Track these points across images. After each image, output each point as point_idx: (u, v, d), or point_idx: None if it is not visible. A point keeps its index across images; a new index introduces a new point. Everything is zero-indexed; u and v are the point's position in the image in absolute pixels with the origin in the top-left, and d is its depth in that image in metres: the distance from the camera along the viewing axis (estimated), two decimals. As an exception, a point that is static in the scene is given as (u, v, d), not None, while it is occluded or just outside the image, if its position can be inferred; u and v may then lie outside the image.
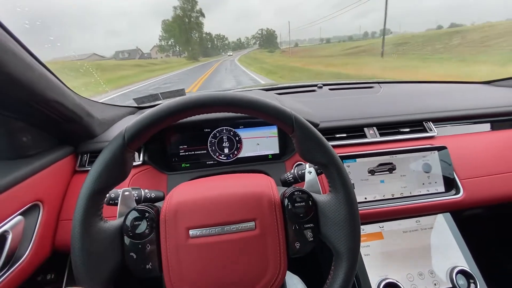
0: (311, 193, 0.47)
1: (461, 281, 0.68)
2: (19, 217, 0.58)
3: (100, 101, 0.93)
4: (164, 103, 0.40)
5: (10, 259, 0.55)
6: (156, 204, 0.47)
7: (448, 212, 0.78)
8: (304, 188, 0.48)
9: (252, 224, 0.43)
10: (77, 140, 0.79)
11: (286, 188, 0.49)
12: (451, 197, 0.76)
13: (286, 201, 0.45)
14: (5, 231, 0.54)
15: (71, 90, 0.70)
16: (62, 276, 0.74)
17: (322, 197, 0.46)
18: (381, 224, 0.75)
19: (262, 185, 0.48)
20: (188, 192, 0.47)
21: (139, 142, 0.41)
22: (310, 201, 0.45)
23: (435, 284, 0.68)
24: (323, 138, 0.43)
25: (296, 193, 0.45)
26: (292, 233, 0.44)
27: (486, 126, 1.04)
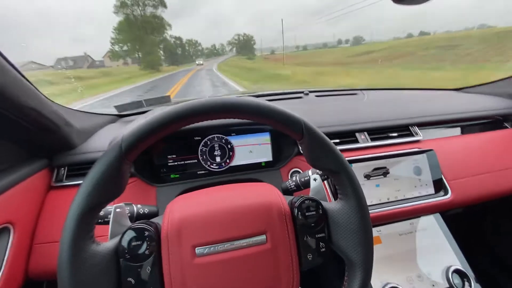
0: (320, 201, 0.45)
1: (457, 280, 0.70)
2: (-14, 243, 0.50)
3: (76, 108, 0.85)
4: (166, 110, 0.36)
5: None
6: (153, 220, 0.43)
7: (438, 213, 0.81)
8: (310, 196, 0.47)
9: (263, 237, 0.40)
10: (52, 151, 0.71)
11: (292, 197, 0.47)
12: (440, 198, 0.79)
13: (295, 210, 0.43)
14: (-31, 261, 0.46)
15: (46, 97, 0.63)
16: (36, 308, 0.65)
17: (331, 205, 0.45)
18: (378, 228, 0.76)
19: (269, 194, 0.45)
20: (190, 206, 0.43)
21: (137, 152, 0.36)
22: (320, 210, 0.43)
23: (433, 285, 0.69)
24: (333, 144, 0.42)
25: (306, 201, 0.43)
26: (303, 244, 0.42)
27: (459, 131, 1.12)
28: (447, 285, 0.69)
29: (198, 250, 0.38)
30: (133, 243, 0.37)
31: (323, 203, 0.45)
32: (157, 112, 0.37)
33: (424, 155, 0.81)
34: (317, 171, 0.62)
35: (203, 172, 0.85)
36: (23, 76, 0.54)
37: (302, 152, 0.44)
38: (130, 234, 0.37)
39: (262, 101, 0.40)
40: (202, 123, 0.77)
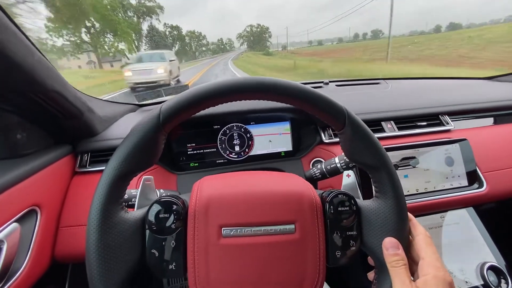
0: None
1: (492, 277, 0.65)
2: (15, 224, 0.50)
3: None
4: (208, 84, 0.35)
5: (6, 273, 0.48)
6: (182, 196, 0.41)
7: (472, 207, 0.76)
8: (342, 190, 0.44)
9: (292, 227, 0.38)
10: (76, 138, 0.72)
11: (322, 191, 0.45)
12: (474, 191, 0.73)
13: (327, 205, 0.40)
14: (0, 241, 0.47)
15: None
16: (62, 290, 0.67)
17: (366, 203, 0.41)
18: (406, 221, 0.72)
19: (301, 185, 0.43)
20: (219, 185, 0.42)
21: (174, 123, 0.35)
22: (354, 206, 0.40)
23: (466, 282, 0.65)
24: (375, 137, 0.38)
25: (339, 196, 0.40)
26: (332, 240, 0.39)
27: (491, 121, 1.04)
28: (482, 283, 0.65)
29: (224, 230, 0.37)
30: (160, 215, 0.36)
31: (357, 200, 0.42)
32: (201, 85, 0.35)
33: (457, 144, 0.76)
34: (345, 159, 0.59)
35: (222, 161, 0.84)
36: (46, 58, 0.54)
37: (340, 143, 0.40)
38: (158, 206, 0.37)
39: (305, 85, 0.37)
40: (221, 111, 0.77)
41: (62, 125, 0.65)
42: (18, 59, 0.44)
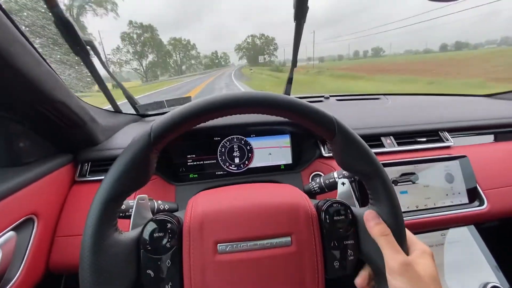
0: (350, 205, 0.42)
1: None
2: (11, 232, 0.50)
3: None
4: (198, 100, 0.35)
5: None
6: (176, 214, 0.41)
7: (473, 225, 0.75)
8: (338, 199, 0.44)
9: (288, 239, 0.38)
10: (77, 147, 0.73)
11: (317, 200, 0.45)
12: (475, 209, 0.73)
13: (322, 214, 0.40)
14: (-6, 249, 0.46)
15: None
16: (54, 302, 0.65)
17: (362, 211, 0.41)
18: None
19: (296, 195, 0.43)
20: (214, 201, 0.42)
21: (165, 142, 0.35)
22: (350, 215, 0.40)
23: (468, 303, 0.63)
24: (366, 145, 0.39)
25: (334, 205, 0.41)
26: (330, 250, 0.39)
27: (491, 138, 1.04)
28: None
29: (220, 246, 0.37)
30: (155, 235, 0.36)
31: (353, 208, 0.42)
32: (191, 103, 0.35)
33: (457, 161, 0.76)
34: (345, 173, 0.59)
35: (221, 173, 0.84)
36: (52, 69, 0.55)
37: (332, 153, 0.41)
38: (152, 225, 0.37)
39: (294, 97, 0.38)
40: (222, 123, 0.78)
41: (64, 134, 0.66)
42: (26, 71, 0.45)
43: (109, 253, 0.33)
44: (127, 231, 0.38)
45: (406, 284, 0.33)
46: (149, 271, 0.35)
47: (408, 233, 0.39)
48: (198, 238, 0.37)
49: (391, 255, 0.35)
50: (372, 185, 0.39)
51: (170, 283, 0.35)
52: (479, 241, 0.73)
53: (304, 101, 0.37)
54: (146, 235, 0.36)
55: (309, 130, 0.39)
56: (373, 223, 0.38)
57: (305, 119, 0.37)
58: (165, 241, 0.36)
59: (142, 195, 0.47)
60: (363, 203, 0.69)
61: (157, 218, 0.37)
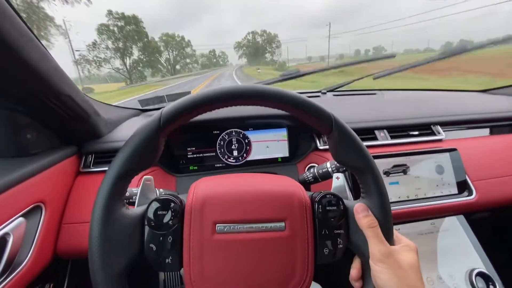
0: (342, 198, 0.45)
1: (481, 284, 0.67)
2: (21, 219, 0.53)
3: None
4: (207, 90, 0.38)
5: (10, 265, 0.50)
6: (180, 196, 0.44)
7: (462, 214, 0.78)
8: (331, 191, 0.46)
9: (282, 224, 0.41)
10: (81, 139, 0.75)
11: (312, 192, 0.47)
12: (464, 199, 0.76)
13: (316, 205, 0.43)
14: (6, 234, 0.49)
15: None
16: (62, 286, 0.68)
17: (353, 203, 0.44)
18: (397, 227, 0.74)
19: (292, 185, 0.46)
20: (214, 185, 0.45)
21: (174, 126, 0.38)
22: (341, 206, 0.43)
23: (455, 287, 0.67)
24: (361, 141, 0.41)
25: (327, 196, 0.43)
26: (321, 238, 0.42)
27: (487, 131, 1.07)
28: None
29: (218, 226, 0.39)
30: (159, 212, 0.39)
31: (345, 200, 0.45)
32: (199, 92, 0.38)
33: (447, 154, 0.79)
34: (337, 166, 0.62)
35: (220, 165, 0.87)
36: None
37: (328, 147, 0.43)
38: (157, 203, 0.40)
39: (296, 92, 0.40)
40: (221, 116, 0.81)
41: (69, 127, 0.68)
42: (34, 64, 0.48)
43: (117, 225, 0.36)
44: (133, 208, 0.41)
45: (387, 270, 0.35)
46: (152, 245, 0.38)
47: (395, 232, 0.42)
48: (199, 218, 0.40)
49: (376, 245, 0.38)
50: (364, 180, 0.42)
51: (170, 257, 0.38)
52: (468, 230, 0.76)
53: (305, 96, 0.39)
54: (150, 212, 0.39)
55: (307, 124, 0.42)
56: (362, 215, 0.40)
57: (306, 114, 0.39)
58: (168, 219, 0.39)
59: (148, 176, 0.50)
60: (356, 196, 0.72)
61: (162, 197, 0.40)
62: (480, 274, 0.67)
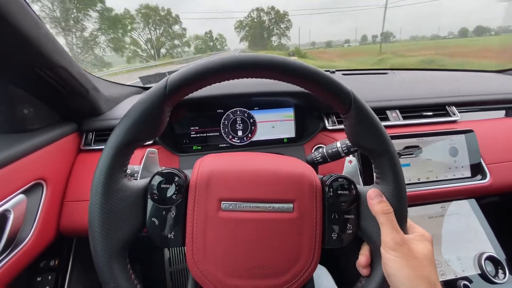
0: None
1: (489, 267, 0.65)
2: (21, 195, 0.52)
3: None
4: (216, 58, 0.34)
5: (12, 242, 0.49)
6: (184, 171, 0.42)
7: (473, 198, 0.76)
8: (343, 174, 0.43)
9: (290, 205, 0.39)
10: (81, 116, 0.73)
11: (322, 175, 0.45)
12: (477, 182, 0.73)
13: (327, 188, 0.41)
14: (6, 210, 0.48)
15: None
16: (66, 262, 0.69)
17: (366, 188, 0.41)
18: (406, 209, 0.72)
19: (302, 166, 0.43)
20: (221, 162, 0.42)
21: (179, 96, 0.35)
22: (354, 191, 0.40)
23: (463, 271, 0.66)
24: (380, 123, 0.38)
25: (339, 179, 0.41)
26: (330, 222, 0.40)
27: (502, 113, 1.02)
28: (479, 272, 0.65)
29: (223, 204, 0.38)
30: (163, 186, 0.37)
31: (357, 185, 0.42)
32: (208, 60, 0.35)
33: (462, 136, 0.75)
34: (347, 143, 0.59)
35: (224, 145, 0.84)
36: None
37: (344, 126, 0.40)
38: (161, 176, 0.38)
39: (312, 66, 0.36)
40: (226, 92, 0.77)
41: (67, 102, 0.66)
42: (25, 31, 0.44)
43: (118, 196, 0.35)
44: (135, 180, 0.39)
45: (399, 259, 0.33)
46: (154, 219, 0.37)
47: (409, 220, 0.39)
48: (203, 194, 0.38)
49: (389, 232, 0.35)
50: (380, 164, 0.39)
51: (173, 233, 0.37)
52: (478, 214, 0.74)
53: (324, 72, 0.36)
54: (154, 185, 0.37)
55: (319, 102, 0.38)
56: (376, 200, 0.38)
57: (322, 89, 0.36)
58: (171, 193, 0.37)
59: (152, 149, 0.48)
60: (367, 182, 0.69)
61: (166, 170, 0.38)
62: (490, 258, 0.66)
